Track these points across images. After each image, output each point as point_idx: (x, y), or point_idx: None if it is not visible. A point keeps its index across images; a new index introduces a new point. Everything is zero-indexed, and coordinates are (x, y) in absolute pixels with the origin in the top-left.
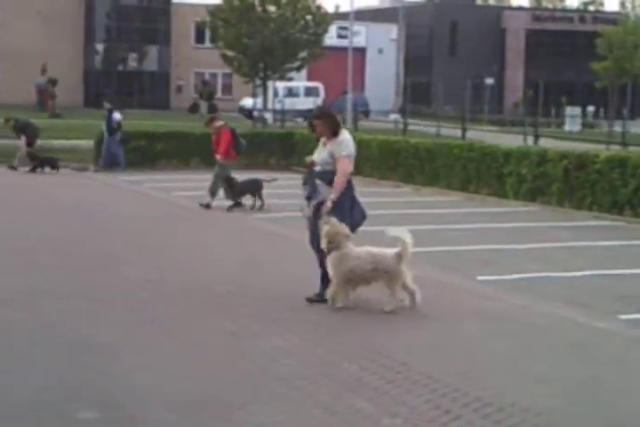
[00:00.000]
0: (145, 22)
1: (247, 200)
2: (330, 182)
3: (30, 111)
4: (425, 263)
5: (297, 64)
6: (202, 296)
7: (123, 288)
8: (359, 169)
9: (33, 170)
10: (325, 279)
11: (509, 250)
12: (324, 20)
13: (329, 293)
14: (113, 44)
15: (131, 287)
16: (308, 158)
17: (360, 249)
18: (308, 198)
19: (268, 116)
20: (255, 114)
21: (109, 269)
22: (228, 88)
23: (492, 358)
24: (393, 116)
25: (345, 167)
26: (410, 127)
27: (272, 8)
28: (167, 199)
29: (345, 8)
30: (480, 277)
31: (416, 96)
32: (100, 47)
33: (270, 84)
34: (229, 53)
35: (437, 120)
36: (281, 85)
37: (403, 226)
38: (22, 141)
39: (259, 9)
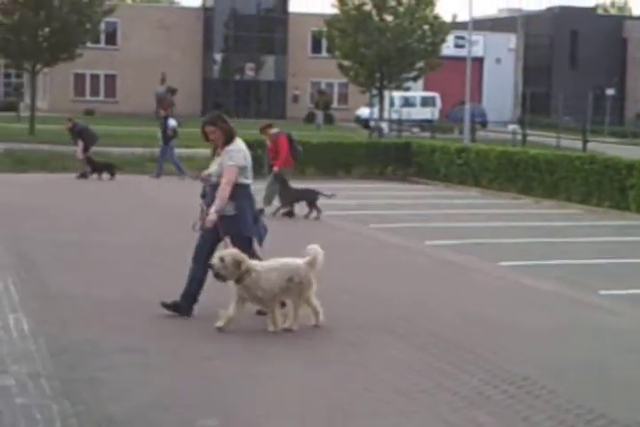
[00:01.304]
0: (262, 32)
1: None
2: (231, 196)
3: (149, 120)
4: (547, 276)
5: (414, 74)
6: (323, 305)
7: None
8: (477, 180)
9: (83, 176)
10: (188, 295)
11: (633, 264)
12: (441, 29)
13: (224, 317)
14: (231, 53)
15: None
16: (205, 172)
17: (270, 262)
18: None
19: (384, 125)
20: (371, 124)
21: None
22: (344, 98)
23: (617, 374)
24: (511, 127)
25: (229, 177)
26: (528, 138)
27: (389, 17)
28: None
29: (462, 17)
30: (603, 292)
31: (534, 107)
32: (218, 57)
33: (386, 93)
34: (346, 63)
35: (557, 131)
36: (397, 95)
37: (522, 238)
38: (79, 147)
39: (376, 18)
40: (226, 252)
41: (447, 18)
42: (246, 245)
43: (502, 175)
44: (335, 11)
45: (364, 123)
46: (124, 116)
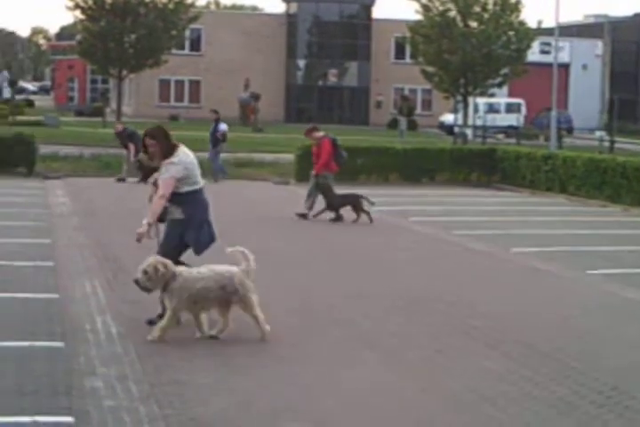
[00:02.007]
0: (346, 38)
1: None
2: (178, 203)
3: (232, 126)
4: (636, 285)
5: (498, 80)
6: (411, 312)
7: (330, 302)
8: (564, 187)
9: (121, 180)
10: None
11: None
12: (526, 35)
13: (162, 324)
14: (314, 59)
15: (337, 301)
16: (152, 178)
17: (201, 269)
18: (160, 220)
19: (468, 132)
20: (455, 130)
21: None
22: (427, 104)
23: None
24: (598, 134)
25: (163, 191)
26: (616, 145)
27: (474, 23)
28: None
29: (548, 23)
30: None
31: (622, 113)
32: (301, 63)
33: (471, 99)
34: (430, 69)
35: None
36: (482, 101)
37: (610, 246)
38: (131, 150)
39: (460, 24)
40: (147, 262)
41: (532, 24)
42: (178, 249)
43: (589, 182)
44: (419, 17)
45: (448, 129)
46: (208, 122)
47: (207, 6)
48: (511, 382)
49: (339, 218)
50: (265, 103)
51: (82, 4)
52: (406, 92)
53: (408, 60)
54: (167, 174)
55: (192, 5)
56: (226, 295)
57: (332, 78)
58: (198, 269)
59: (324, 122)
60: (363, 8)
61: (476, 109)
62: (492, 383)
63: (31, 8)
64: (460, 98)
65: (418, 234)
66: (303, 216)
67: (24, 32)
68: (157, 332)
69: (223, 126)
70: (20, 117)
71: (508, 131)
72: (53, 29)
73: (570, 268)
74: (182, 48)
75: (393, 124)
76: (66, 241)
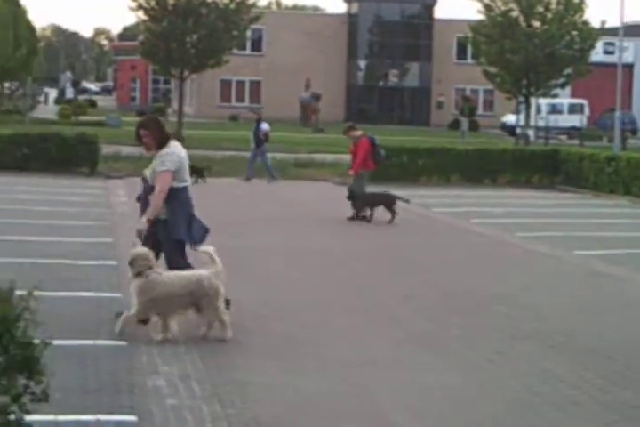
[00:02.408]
0: (407, 38)
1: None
2: (165, 201)
3: (293, 126)
4: None
5: (561, 80)
6: (472, 314)
7: (390, 303)
8: (628, 189)
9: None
10: None
11: None
12: (590, 35)
13: (122, 320)
14: (375, 59)
15: (398, 302)
16: (144, 172)
17: (170, 273)
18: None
19: (530, 132)
20: (518, 131)
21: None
22: (489, 104)
23: None
24: None
25: (162, 184)
26: None
27: (537, 23)
28: (427, 215)
29: (612, 23)
30: None
31: None
32: (362, 63)
33: (533, 100)
34: (492, 69)
35: None
36: (544, 102)
37: None
38: None
39: (523, 24)
40: (130, 253)
41: (596, 24)
42: (179, 250)
43: None
44: (481, 17)
45: (510, 130)
46: (268, 122)
47: (268, 7)
48: (574, 386)
49: (360, 217)
50: (325, 103)
51: (145, 4)
52: (468, 93)
53: (470, 60)
54: (163, 167)
55: (253, 6)
56: (194, 300)
57: (393, 79)
58: (168, 274)
59: (385, 122)
60: (424, 8)
61: (538, 110)
62: (555, 387)
63: (94, 9)
64: (522, 98)
65: (479, 236)
66: (355, 218)
67: (87, 33)
68: (120, 326)
69: (265, 126)
70: (82, 118)
71: (571, 132)
72: (116, 30)
73: (635, 271)
74: (243, 48)
75: (454, 125)
76: (128, 240)
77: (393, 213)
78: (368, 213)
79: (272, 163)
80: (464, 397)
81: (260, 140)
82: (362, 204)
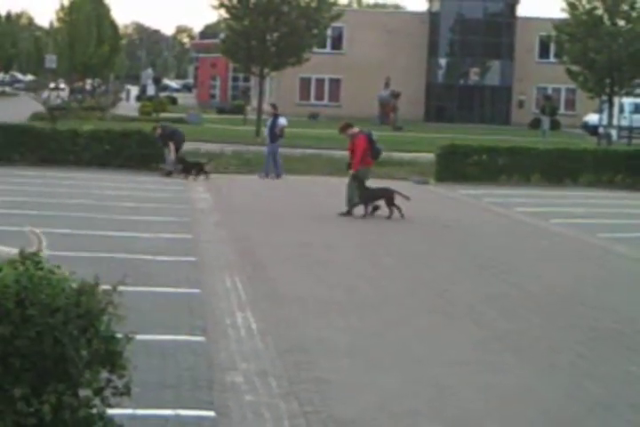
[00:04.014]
0: (488, 36)
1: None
2: None
3: (372, 124)
4: None
5: None
6: (552, 315)
7: (470, 302)
8: None
9: (169, 174)
10: None
11: None
12: None
13: None
14: (456, 57)
15: (477, 302)
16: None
17: None
18: None
19: (613, 132)
20: (600, 130)
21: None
22: (571, 103)
23: None
24: None
25: None
26: None
27: (621, 22)
28: (508, 215)
29: None
30: None
31: None
32: (442, 61)
33: (616, 99)
34: (575, 68)
35: None
36: (628, 101)
37: None
38: (172, 147)
39: (607, 23)
40: None
41: None
42: None
43: None
44: (565, 15)
45: (592, 129)
46: (347, 120)
47: (349, 5)
48: None
49: (370, 212)
50: (405, 102)
51: (226, 2)
52: (549, 92)
53: (552, 58)
54: None
55: (334, 4)
56: None
57: (474, 77)
58: None
59: (465, 121)
60: (507, 6)
61: (621, 109)
62: (637, 389)
63: (176, 7)
64: (605, 98)
65: (559, 236)
66: (348, 214)
67: (169, 31)
68: None
69: (283, 121)
70: (163, 114)
71: None
72: (197, 28)
73: None
74: (324, 46)
75: (535, 124)
76: (207, 236)
77: (395, 207)
78: (364, 207)
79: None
80: (545, 399)
81: (276, 135)
82: (363, 199)
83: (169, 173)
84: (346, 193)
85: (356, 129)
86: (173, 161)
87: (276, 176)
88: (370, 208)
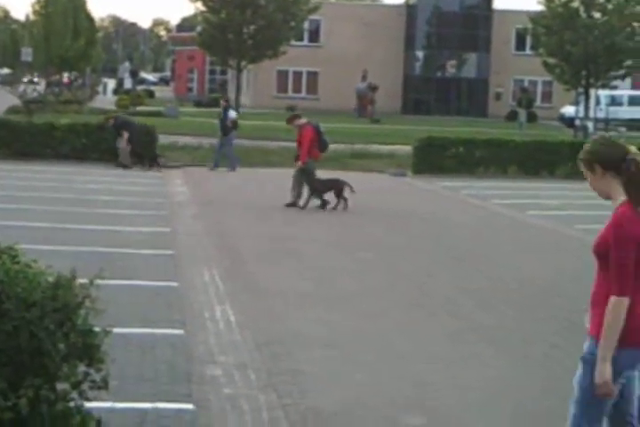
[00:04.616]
0: (465, 29)
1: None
2: None
3: (349, 117)
4: None
5: (621, 72)
6: (529, 306)
7: (446, 294)
8: None
9: (125, 166)
10: None
11: None
12: None
13: None
14: (432, 50)
15: (454, 294)
16: None
17: None
18: None
19: (589, 124)
20: (576, 122)
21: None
22: (547, 96)
23: None
24: None
25: None
26: None
27: (597, 14)
28: (485, 207)
29: None
30: None
31: None
32: (419, 54)
33: (592, 92)
34: (551, 61)
35: None
36: (603, 93)
37: None
38: (124, 138)
39: (583, 15)
40: None
41: None
42: None
43: None
44: (541, 7)
45: (569, 121)
46: (324, 114)
47: None
48: None
49: (324, 204)
50: (382, 94)
51: None
52: (526, 84)
53: (528, 51)
54: None
55: None
56: None
57: (451, 69)
58: None
59: (442, 113)
60: None
61: (597, 102)
62: None
63: (153, 0)
64: (581, 90)
65: (535, 228)
66: (293, 205)
67: (145, 23)
68: None
69: (233, 114)
70: (140, 108)
71: (631, 124)
72: (174, 21)
73: None
74: (301, 39)
75: (512, 117)
76: (185, 230)
77: (341, 199)
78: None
79: (331, 154)
80: (521, 392)
81: (227, 127)
82: (312, 191)
83: (125, 166)
84: (292, 184)
85: (303, 120)
86: (126, 151)
87: (231, 169)
88: (318, 201)
